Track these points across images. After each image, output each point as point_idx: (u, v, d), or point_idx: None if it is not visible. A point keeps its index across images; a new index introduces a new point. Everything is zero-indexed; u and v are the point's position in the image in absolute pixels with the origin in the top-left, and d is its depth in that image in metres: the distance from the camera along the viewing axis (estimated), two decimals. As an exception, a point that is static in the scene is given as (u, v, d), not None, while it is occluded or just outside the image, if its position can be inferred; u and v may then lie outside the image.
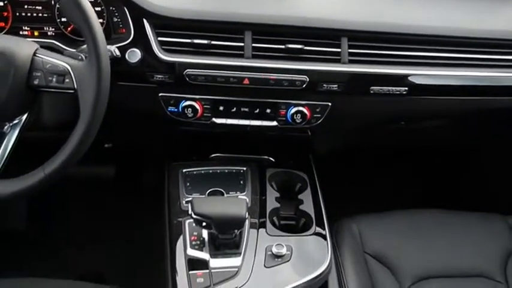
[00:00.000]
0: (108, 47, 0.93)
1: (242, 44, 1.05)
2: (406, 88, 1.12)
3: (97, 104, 0.83)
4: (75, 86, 0.85)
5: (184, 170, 1.18)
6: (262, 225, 1.06)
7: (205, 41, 1.04)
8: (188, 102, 1.09)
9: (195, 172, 1.18)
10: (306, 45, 1.07)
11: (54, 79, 0.86)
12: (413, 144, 1.61)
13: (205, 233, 0.99)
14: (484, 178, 1.78)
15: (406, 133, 1.44)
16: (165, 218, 1.09)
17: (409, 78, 1.12)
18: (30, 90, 0.86)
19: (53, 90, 0.87)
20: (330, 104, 1.12)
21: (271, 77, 1.06)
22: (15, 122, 0.90)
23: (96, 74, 0.83)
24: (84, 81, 0.84)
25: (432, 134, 1.46)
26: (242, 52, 1.06)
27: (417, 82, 1.13)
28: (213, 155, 1.25)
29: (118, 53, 1.00)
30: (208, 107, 1.10)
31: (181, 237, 1.01)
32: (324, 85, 1.08)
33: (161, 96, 1.09)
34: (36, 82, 0.86)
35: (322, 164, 1.29)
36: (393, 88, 1.12)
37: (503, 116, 1.31)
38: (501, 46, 1.16)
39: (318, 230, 1.07)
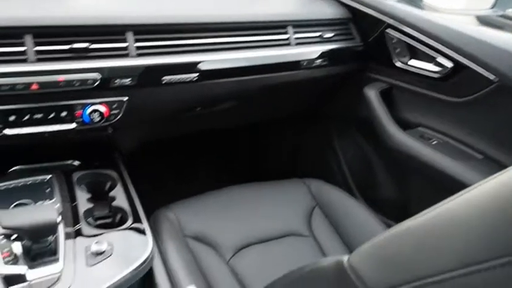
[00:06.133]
0: None
1: (23, 49, 1.07)
2: (197, 74, 1.27)
3: None
4: None
5: (-19, 190, 1.15)
6: (78, 228, 1.10)
7: None
8: (-27, 117, 1.07)
9: (-7, 190, 1.16)
10: (92, 43, 1.13)
11: None
12: (214, 126, 1.78)
13: (17, 247, 1.00)
14: (280, 148, 2.06)
15: (204, 118, 1.60)
16: None
17: (198, 64, 1.26)
18: None
19: None
20: (126, 98, 1.20)
21: (61, 79, 1.10)
22: None
23: None
24: None
25: (228, 114, 1.64)
26: (25, 57, 1.07)
27: (205, 68, 1.27)
28: (11, 169, 1.24)
29: None
30: None
31: (-10, 257, 1.00)
32: (117, 81, 1.16)
33: None
34: None
35: (131, 159, 1.37)
36: (184, 76, 1.25)
37: (286, 89, 1.54)
38: (271, 28, 1.39)
39: (135, 221, 1.15)
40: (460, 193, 0.54)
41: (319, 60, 1.47)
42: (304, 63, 1.45)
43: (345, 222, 1.44)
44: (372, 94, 1.54)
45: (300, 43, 1.44)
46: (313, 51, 1.46)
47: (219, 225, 1.35)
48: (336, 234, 1.42)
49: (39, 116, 1.14)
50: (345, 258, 0.62)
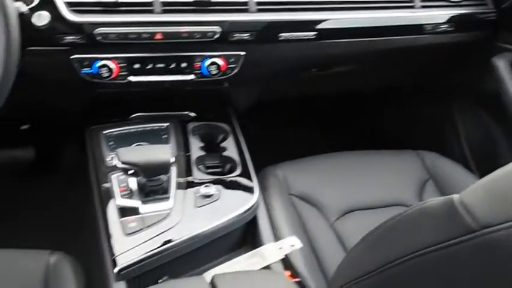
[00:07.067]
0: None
1: (151, 0, 1.13)
2: (315, 33, 1.26)
3: (8, 60, 0.88)
4: None
5: (105, 132, 1.25)
6: (189, 171, 1.16)
7: None
8: (103, 62, 1.14)
9: (116, 132, 1.26)
10: None
11: None
12: (328, 91, 1.76)
13: (133, 183, 1.08)
14: (394, 118, 2.00)
15: (319, 80, 1.59)
16: (92, 179, 1.17)
17: (316, 23, 1.26)
18: None
19: None
20: (243, 53, 1.23)
21: (183, 30, 1.15)
22: None
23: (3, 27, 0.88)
24: None
25: (344, 79, 1.62)
26: (152, 8, 1.13)
27: (324, 27, 1.26)
28: (133, 115, 1.33)
29: (26, 8, 1.03)
30: (123, 65, 1.17)
31: (110, 190, 1.09)
32: (236, 35, 1.19)
33: (74, 58, 1.13)
34: None
35: (243, 116, 1.41)
36: (301, 34, 1.25)
37: (407, 54, 1.49)
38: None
39: (244, 172, 1.19)
40: None
41: (444, 26, 1.39)
42: (428, 28, 1.38)
43: (461, 198, 1.37)
44: (502, 65, 1.44)
45: (425, 6, 1.37)
46: (438, 15, 1.38)
47: (326, 188, 1.35)
48: (450, 210, 1.36)
49: (161, 65, 1.20)
50: (455, 196, 0.60)
